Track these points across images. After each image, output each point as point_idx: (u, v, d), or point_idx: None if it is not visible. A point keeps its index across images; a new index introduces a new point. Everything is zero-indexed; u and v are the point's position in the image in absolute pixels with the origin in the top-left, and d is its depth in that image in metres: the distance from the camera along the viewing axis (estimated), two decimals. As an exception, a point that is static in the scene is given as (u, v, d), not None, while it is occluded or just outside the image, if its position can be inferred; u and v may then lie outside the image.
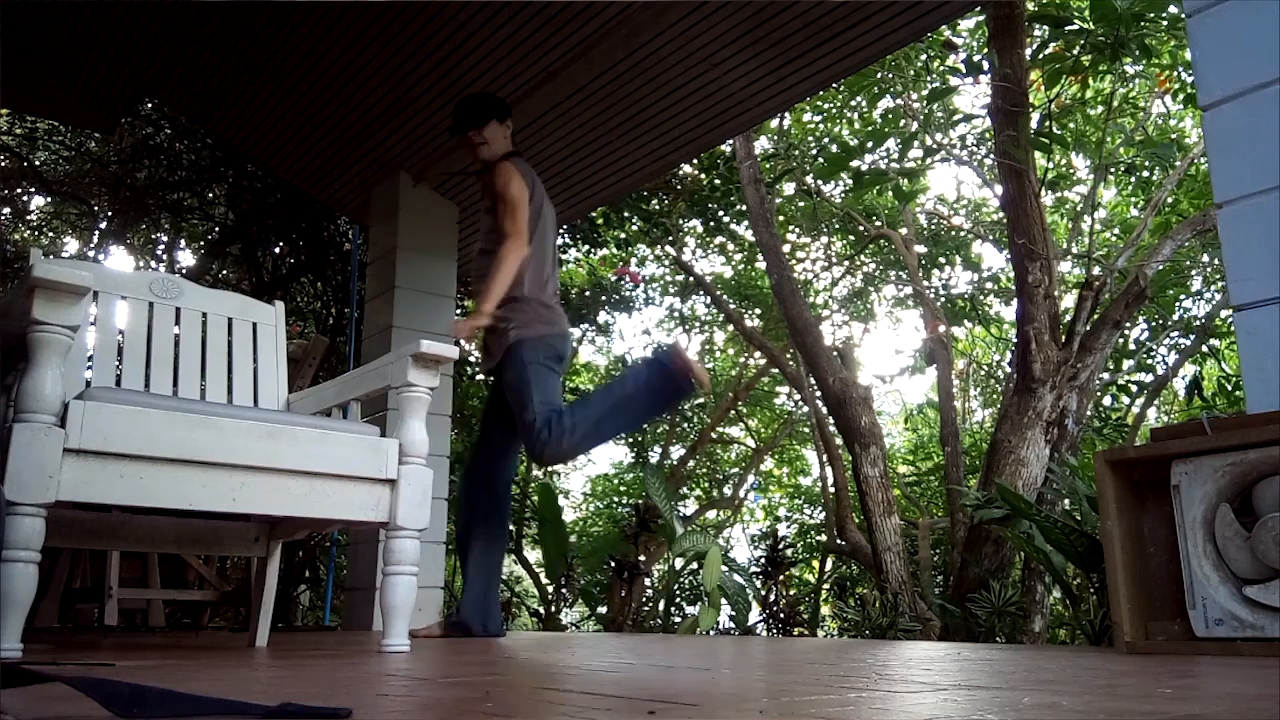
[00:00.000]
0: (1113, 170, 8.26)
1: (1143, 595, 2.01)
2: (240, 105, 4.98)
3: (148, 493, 1.86)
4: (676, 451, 12.71)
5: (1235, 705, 0.99)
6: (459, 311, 5.72)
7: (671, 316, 12.66)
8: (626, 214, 8.29)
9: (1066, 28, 4.96)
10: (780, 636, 6.19)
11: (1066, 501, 5.10)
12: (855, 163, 7.64)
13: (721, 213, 9.20)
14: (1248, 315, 1.97)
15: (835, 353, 8.37)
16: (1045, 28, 5.33)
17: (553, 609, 7.98)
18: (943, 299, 10.37)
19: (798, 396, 10.95)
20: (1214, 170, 2.09)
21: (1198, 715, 0.89)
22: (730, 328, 12.02)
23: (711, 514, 13.50)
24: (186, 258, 9.18)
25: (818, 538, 11.48)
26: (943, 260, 10.44)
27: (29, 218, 9.15)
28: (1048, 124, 5.60)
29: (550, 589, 8.16)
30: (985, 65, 5.64)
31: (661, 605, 8.45)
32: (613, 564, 7.40)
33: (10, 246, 8.48)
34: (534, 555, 10.43)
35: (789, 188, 9.57)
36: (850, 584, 9.11)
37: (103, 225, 8.86)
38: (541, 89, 4.38)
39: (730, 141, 7.20)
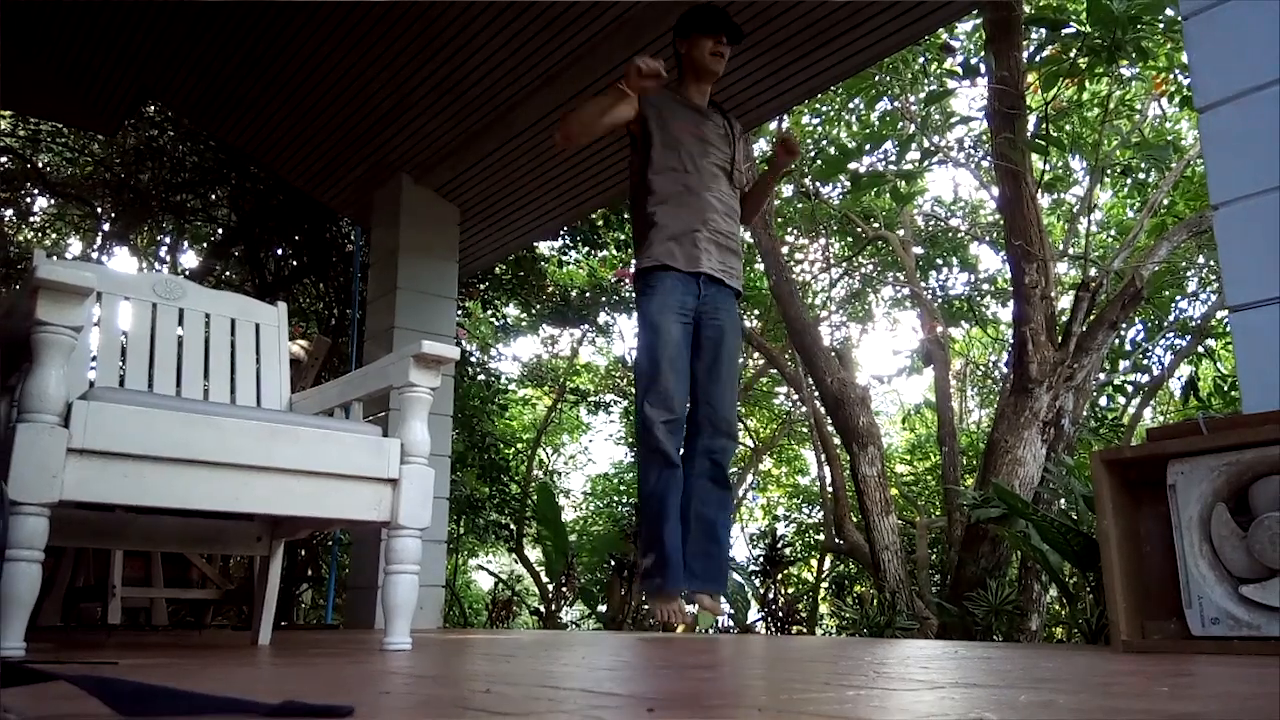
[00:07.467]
0: (1109, 172, 8.28)
1: (1139, 594, 2.02)
2: (243, 108, 4.99)
3: (151, 492, 1.87)
4: (676, 452, 12.66)
5: (1231, 704, 1.00)
6: (459, 312, 5.73)
7: (671, 317, 12.63)
8: (626, 215, 8.30)
9: (1063, 30, 4.97)
10: (779, 635, 6.20)
11: (1063, 501, 5.11)
12: (853, 165, 7.66)
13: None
14: (1244, 316, 1.98)
15: (833, 353, 8.38)
16: (1042, 30, 5.34)
17: (553, 608, 7.99)
18: (940, 300, 10.38)
19: (796, 397, 10.94)
20: (1210, 172, 2.10)
21: (1194, 714, 0.89)
22: (729, 328, 11.99)
23: (711, 514, 13.48)
24: (190, 259, 9.19)
25: (816, 537, 11.48)
26: (940, 261, 10.45)
27: (32, 219, 9.15)
28: (1044, 126, 5.61)
29: (550, 588, 8.16)
30: (982, 68, 5.65)
31: (661, 605, 8.43)
32: (612, 563, 7.41)
33: (14, 248, 8.49)
34: (534, 554, 10.43)
35: (787, 189, 9.57)
36: (848, 583, 9.12)
37: (106, 227, 8.86)
38: (543, 91, 4.39)
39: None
